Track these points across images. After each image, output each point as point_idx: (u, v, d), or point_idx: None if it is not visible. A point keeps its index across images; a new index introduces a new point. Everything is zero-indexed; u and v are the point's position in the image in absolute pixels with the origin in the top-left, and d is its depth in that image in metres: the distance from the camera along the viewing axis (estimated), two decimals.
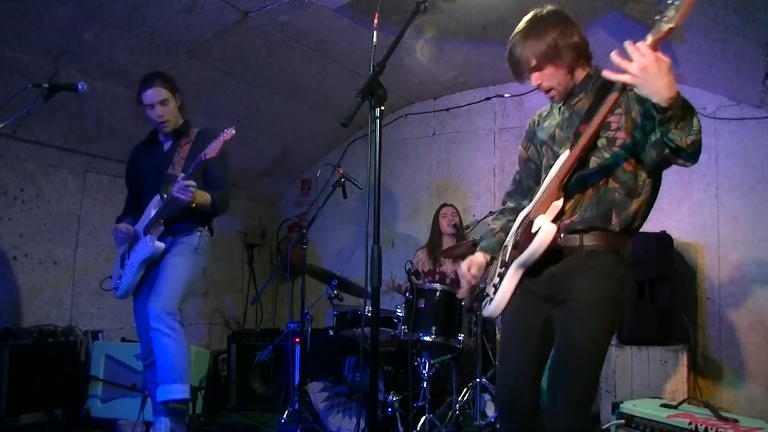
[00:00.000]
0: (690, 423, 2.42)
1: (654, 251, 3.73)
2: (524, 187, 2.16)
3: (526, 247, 1.80)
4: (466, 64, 4.47)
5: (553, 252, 1.80)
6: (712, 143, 4.14)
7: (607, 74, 1.60)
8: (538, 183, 2.02)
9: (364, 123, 1.94)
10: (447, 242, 4.36)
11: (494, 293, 1.96)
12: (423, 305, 3.32)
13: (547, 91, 1.94)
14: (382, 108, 1.81)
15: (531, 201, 1.99)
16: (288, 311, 5.01)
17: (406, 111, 5.36)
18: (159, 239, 2.97)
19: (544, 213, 1.81)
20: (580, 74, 1.92)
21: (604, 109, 1.70)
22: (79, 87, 2.56)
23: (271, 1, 3.38)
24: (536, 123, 2.12)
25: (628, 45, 1.54)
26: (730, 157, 4.08)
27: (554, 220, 1.79)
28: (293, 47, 3.95)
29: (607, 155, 1.82)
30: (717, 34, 3.29)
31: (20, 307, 3.77)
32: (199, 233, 3.08)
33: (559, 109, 2.00)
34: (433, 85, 4.93)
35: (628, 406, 2.71)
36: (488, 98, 4.95)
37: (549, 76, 1.89)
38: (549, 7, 1.93)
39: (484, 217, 4.33)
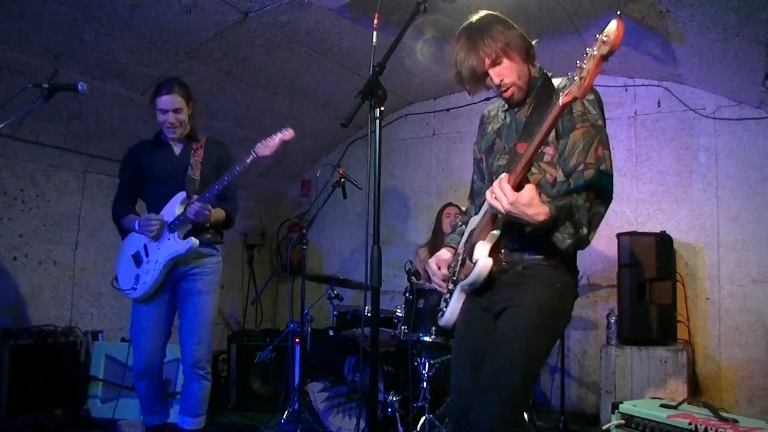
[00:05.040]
0: (690, 423, 2.42)
1: (654, 251, 3.74)
2: (476, 190, 2.12)
3: (468, 275, 1.83)
4: None
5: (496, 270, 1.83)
6: (712, 143, 4.14)
7: (492, 202, 1.66)
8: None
9: (364, 123, 1.93)
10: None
11: (446, 307, 1.99)
12: (423, 305, 3.32)
13: (507, 89, 1.86)
14: (382, 108, 1.80)
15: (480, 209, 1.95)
16: (288, 311, 5.01)
17: (406, 111, 5.36)
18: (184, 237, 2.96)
19: (484, 239, 1.82)
20: (528, 72, 1.88)
21: (537, 138, 1.61)
22: (79, 87, 2.56)
23: (271, 1, 3.38)
24: (484, 121, 2.10)
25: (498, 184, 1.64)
26: (730, 157, 4.08)
27: (492, 249, 1.81)
28: (293, 47, 3.95)
29: (535, 171, 1.82)
30: (717, 34, 3.29)
31: (20, 307, 3.77)
32: (218, 251, 3.13)
33: (504, 112, 1.98)
34: (433, 85, 4.93)
35: (628, 406, 2.71)
36: (488, 98, 4.91)
37: (508, 70, 1.83)
38: (479, 14, 1.89)
39: None
